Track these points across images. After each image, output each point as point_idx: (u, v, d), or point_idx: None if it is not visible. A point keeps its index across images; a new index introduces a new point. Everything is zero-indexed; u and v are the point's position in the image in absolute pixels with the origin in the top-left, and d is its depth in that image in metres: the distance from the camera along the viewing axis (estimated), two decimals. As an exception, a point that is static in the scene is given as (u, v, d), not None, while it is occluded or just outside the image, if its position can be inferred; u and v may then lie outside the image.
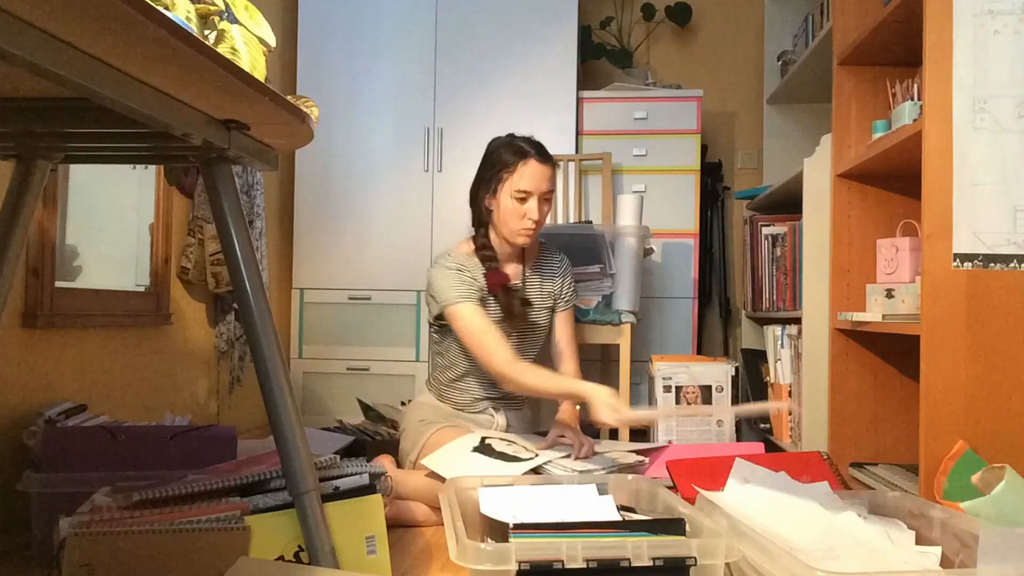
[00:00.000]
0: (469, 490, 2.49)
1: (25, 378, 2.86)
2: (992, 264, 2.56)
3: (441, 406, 3.44)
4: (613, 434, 3.82)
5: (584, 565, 1.88)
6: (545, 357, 3.62)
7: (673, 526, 2.11)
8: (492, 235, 3.41)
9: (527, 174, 3.24)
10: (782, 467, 2.70)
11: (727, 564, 2.00)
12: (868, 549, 2.12)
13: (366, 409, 4.38)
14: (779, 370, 4.04)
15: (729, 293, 5.71)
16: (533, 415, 3.63)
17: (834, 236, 3.44)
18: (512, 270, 3.46)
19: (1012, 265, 2.55)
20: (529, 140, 3.32)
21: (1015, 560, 1.80)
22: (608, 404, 2.91)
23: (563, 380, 3.29)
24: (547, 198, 3.31)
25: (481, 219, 3.42)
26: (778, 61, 5.32)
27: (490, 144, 3.41)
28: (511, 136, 3.36)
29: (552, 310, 3.56)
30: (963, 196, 2.57)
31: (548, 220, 4.59)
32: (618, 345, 3.97)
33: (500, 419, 3.41)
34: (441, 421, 3.31)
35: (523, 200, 3.26)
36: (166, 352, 3.74)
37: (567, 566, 1.88)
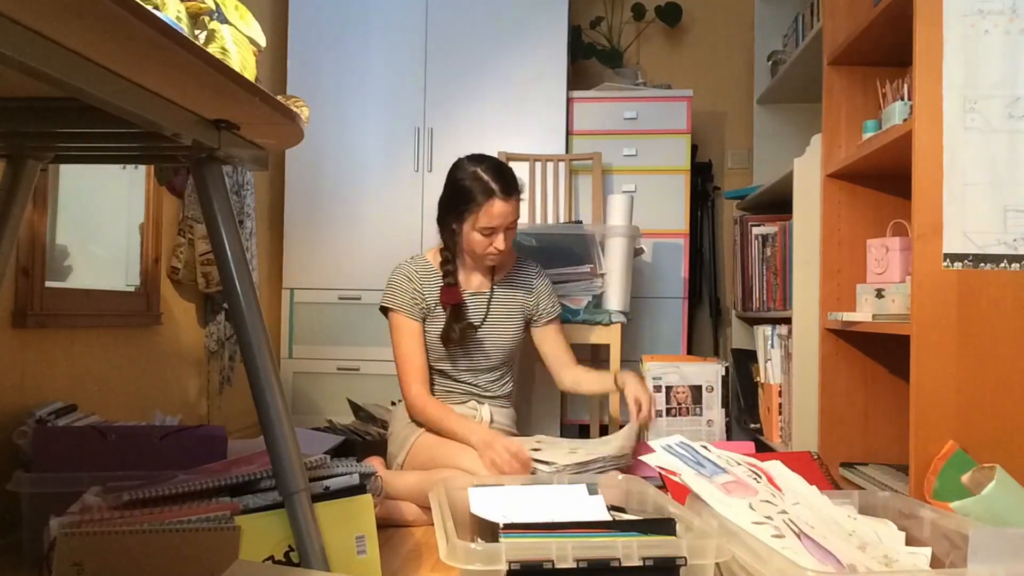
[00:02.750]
0: (459, 490, 2.49)
1: (15, 378, 2.86)
2: (982, 264, 2.57)
3: None
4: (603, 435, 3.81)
5: (574, 565, 1.88)
6: (533, 372, 3.65)
7: (663, 526, 2.11)
8: (459, 251, 3.45)
9: (493, 214, 3.25)
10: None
11: (717, 564, 2.00)
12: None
13: (356, 409, 4.38)
14: (769, 370, 4.05)
15: (719, 293, 5.71)
16: (522, 416, 3.63)
17: (824, 236, 3.45)
18: (479, 280, 3.50)
19: (1002, 265, 2.56)
20: (494, 170, 3.29)
21: (1005, 560, 1.80)
22: (489, 455, 3.06)
23: (461, 424, 3.26)
24: (512, 226, 3.35)
25: (447, 238, 3.44)
26: (768, 61, 5.32)
27: (455, 170, 3.38)
28: (474, 163, 3.33)
29: (526, 324, 3.57)
30: (953, 196, 2.57)
31: (538, 220, 4.61)
32: (608, 345, 3.97)
33: (484, 412, 3.42)
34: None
35: (488, 235, 3.29)
36: (156, 352, 3.73)
37: (557, 566, 1.87)
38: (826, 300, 3.45)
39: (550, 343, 3.61)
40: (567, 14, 4.94)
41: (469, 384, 3.45)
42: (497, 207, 3.24)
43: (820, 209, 3.50)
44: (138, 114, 1.51)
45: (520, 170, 3.91)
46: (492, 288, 3.50)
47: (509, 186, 3.28)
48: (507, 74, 4.93)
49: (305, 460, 2.09)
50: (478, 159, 3.35)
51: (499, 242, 3.30)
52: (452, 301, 3.35)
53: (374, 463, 3.25)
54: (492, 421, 3.42)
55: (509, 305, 3.51)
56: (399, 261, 3.50)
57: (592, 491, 2.49)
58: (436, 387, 3.46)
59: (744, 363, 4.56)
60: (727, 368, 4.01)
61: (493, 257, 3.35)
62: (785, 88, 5.15)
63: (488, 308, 3.46)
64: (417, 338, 3.37)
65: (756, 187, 4.75)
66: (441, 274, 3.41)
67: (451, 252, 3.43)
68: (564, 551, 1.89)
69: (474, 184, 3.26)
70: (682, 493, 2.49)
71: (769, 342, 4.05)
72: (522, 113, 4.90)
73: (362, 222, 4.96)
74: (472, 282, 3.48)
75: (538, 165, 4.72)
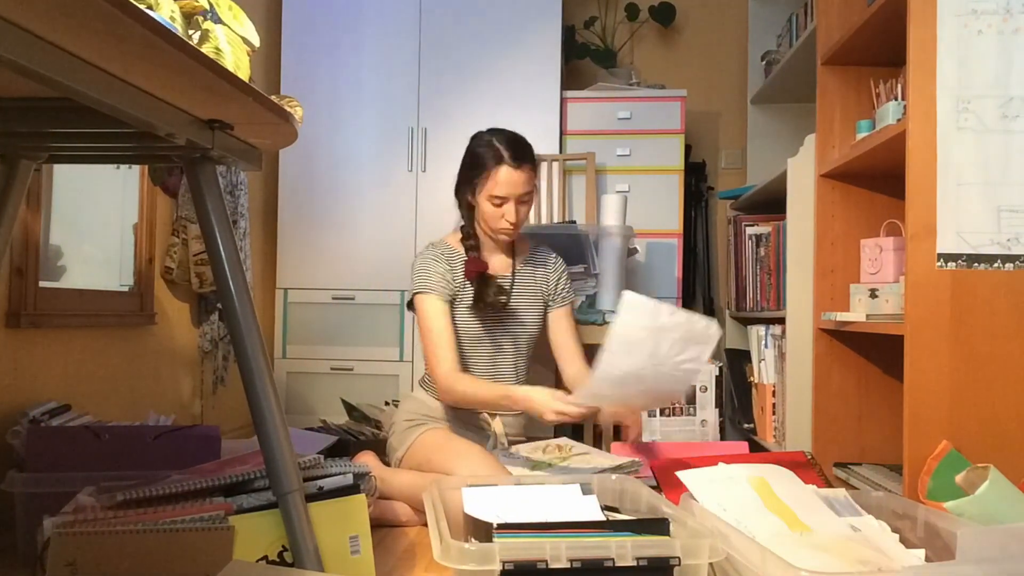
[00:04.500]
0: (453, 490, 2.49)
1: (9, 378, 2.85)
2: (976, 264, 2.57)
3: (434, 405, 3.38)
4: (597, 439, 3.80)
5: (568, 565, 1.88)
6: (545, 360, 3.63)
7: (657, 526, 2.11)
8: (477, 228, 3.42)
9: (501, 181, 3.21)
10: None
11: (711, 564, 2.00)
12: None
13: (350, 409, 4.37)
14: (763, 370, 4.05)
15: (713, 293, 5.71)
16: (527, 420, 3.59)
17: (818, 236, 3.45)
18: (501, 261, 3.46)
19: (996, 265, 2.56)
20: (508, 139, 3.28)
21: (994, 557, 1.80)
22: (550, 406, 2.93)
23: (497, 388, 3.22)
24: (525, 200, 3.30)
25: (465, 214, 3.42)
26: (762, 61, 5.33)
27: (472, 140, 3.38)
28: (491, 134, 3.32)
29: (545, 310, 3.54)
30: (947, 196, 2.58)
31: (532, 220, 4.60)
32: (602, 345, 3.96)
33: (497, 425, 3.37)
34: (430, 422, 3.29)
35: (499, 204, 3.25)
36: (150, 352, 3.73)
37: (551, 566, 1.87)
38: (820, 300, 3.45)
39: (560, 330, 3.54)
40: (561, 14, 4.94)
41: (498, 381, 3.39)
42: (503, 173, 3.20)
43: (814, 209, 3.50)
44: (132, 114, 1.51)
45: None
46: (514, 272, 3.47)
47: (520, 154, 3.25)
48: (501, 74, 4.93)
49: (299, 460, 2.09)
50: (495, 130, 3.35)
51: (510, 214, 3.25)
52: (479, 269, 3.31)
53: (367, 459, 3.25)
54: (505, 432, 3.38)
55: (531, 288, 3.48)
56: (424, 247, 3.45)
57: (586, 491, 2.49)
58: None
59: (738, 363, 4.56)
60: (721, 368, 4.01)
61: (506, 231, 3.30)
62: (779, 88, 5.15)
63: (512, 284, 3.44)
64: (447, 317, 3.29)
65: (750, 187, 4.75)
66: (463, 252, 3.37)
67: (472, 228, 3.41)
68: (558, 551, 1.89)
69: (486, 151, 3.25)
70: (676, 493, 2.49)
71: (763, 342, 4.05)
72: (516, 113, 4.89)
73: (356, 222, 4.96)
74: (494, 264, 3.43)
75: (532, 165, 4.72)
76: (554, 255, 3.62)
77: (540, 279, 3.53)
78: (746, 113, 5.59)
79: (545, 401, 2.94)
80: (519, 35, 4.92)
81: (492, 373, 3.39)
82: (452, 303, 3.33)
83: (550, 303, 3.55)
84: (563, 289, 3.57)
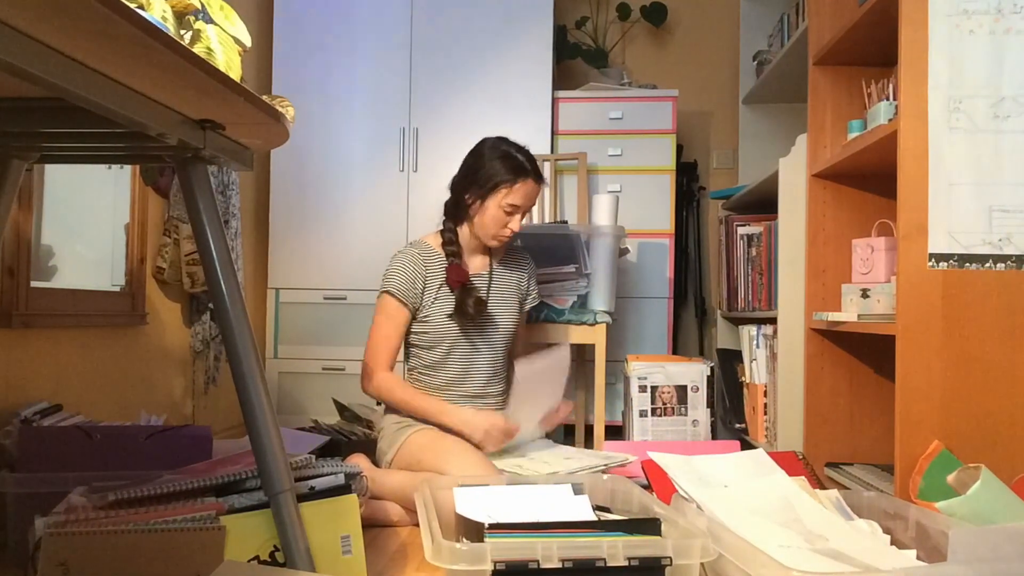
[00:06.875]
0: (444, 490, 2.49)
1: (0, 378, 2.85)
2: (967, 264, 2.57)
3: None
4: (588, 441, 3.80)
5: (560, 565, 1.88)
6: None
7: (649, 526, 2.11)
8: (463, 228, 3.44)
9: (524, 193, 3.30)
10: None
11: (702, 564, 2.00)
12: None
13: (341, 409, 4.37)
14: (754, 370, 4.05)
15: (704, 293, 5.72)
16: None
17: (809, 236, 3.45)
18: (479, 262, 3.50)
19: (987, 265, 2.57)
20: (526, 155, 3.35)
21: (985, 558, 1.80)
22: (486, 434, 3.19)
23: (434, 404, 3.32)
24: (527, 212, 3.39)
25: (456, 212, 3.43)
26: (753, 61, 5.34)
27: (485, 146, 3.39)
28: (507, 145, 3.36)
29: (520, 310, 3.58)
30: (938, 196, 2.58)
31: (524, 220, 4.60)
32: (593, 345, 3.97)
33: None
34: (419, 423, 3.29)
35: (510, 213, 3.31)
36: (141, 352, 3.72)
37: (542, 566, 1.87)
38: (811, 300, 3.45)
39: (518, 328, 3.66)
40: (552, 14, 4.94)
41: (475, 380, 3.43)
42: (529, 187, 3.31)
43: (805, 209, 3.51)
44: (123, 114, 1.51)
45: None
46: (491, 269, 3.50)
47: (538, 171, 3.36)
48: (492, 74, 4.93)
49: (290, 460, 2.09)
50: (509, 141, 3.40)
51: (515, 223, 3.33)
52: (460, 279, 3.34)
53: (359, 461, 3.25)
54: None
55: (508, 285, 3.53)
56: (397, 250, 3.46)
57: (577, 491, 2.49)
58: (434, 393, 3.40)
59: (729, 363, 4.56)
60: (712, 368, 4.01)
61: (503, 237, 3.37)
62: (770, 88, 5.16)
63: (490, 285, 3.47)
64: (400, 326, 3.35)
65: (741, 187, 4.76)
66: (443, 255, 3.40)
67: (453, 234, 3.43)
68: (549, 551, 1.89)
69: (509, 162, 3.30)
70: (667, 493, 2.49)
71: (754, 342, 4.06)
72: (507, 113, 4.90)
73: (347, 222, 4.96)
74: (473, 265, 3.47)
75: (524, 165, 4.73)
76: (527, 256, 3.71)
77: (516, 280, 3.58)
78: (738, 113, 5.60)
79: (478, 426, 3.21)
80: (511, 35, 4.92)
81: (469, 373, 3.41)
82: (415, 313, 3.38)
83: (523, 304, 3.63)
84: (533, 290, 3.68)
